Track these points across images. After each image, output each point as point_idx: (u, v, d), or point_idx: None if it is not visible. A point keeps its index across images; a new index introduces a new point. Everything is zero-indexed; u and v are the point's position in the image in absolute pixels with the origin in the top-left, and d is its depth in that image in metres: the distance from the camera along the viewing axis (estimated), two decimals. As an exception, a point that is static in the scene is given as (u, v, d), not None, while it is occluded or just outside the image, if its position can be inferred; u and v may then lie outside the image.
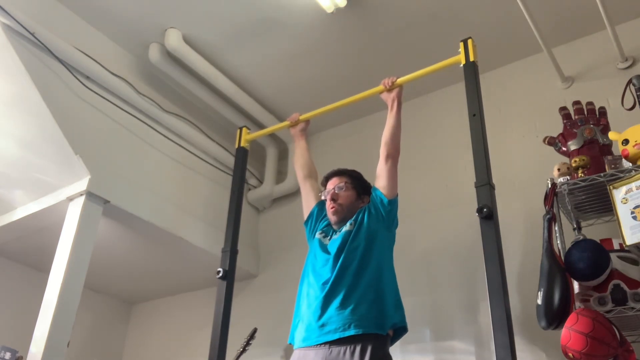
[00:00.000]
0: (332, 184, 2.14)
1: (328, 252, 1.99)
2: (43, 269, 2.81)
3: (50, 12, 2.66)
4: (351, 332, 1.77)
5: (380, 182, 2.04)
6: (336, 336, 1.78)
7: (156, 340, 3.68)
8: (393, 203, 2.02)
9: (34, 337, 2.22)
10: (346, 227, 2.02)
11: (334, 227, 2.09)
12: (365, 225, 1.98)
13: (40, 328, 2.22)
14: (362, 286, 1.87)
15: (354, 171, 2.20)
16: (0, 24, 2.36)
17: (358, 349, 1.75)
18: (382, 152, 2.06)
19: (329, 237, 2.08)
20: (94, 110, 2.70)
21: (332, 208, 2.07)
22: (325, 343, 1.80)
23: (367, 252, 1.94)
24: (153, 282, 3.61)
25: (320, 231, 2.13)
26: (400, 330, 1.90)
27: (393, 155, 2.04)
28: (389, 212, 2.01)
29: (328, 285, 1.89)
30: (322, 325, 1.83)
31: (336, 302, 1.84)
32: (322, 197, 2.17)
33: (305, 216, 2.23)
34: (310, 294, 1.95)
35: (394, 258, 2.08)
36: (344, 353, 1.75)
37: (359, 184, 2.16)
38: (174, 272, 3.43)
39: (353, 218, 2.04)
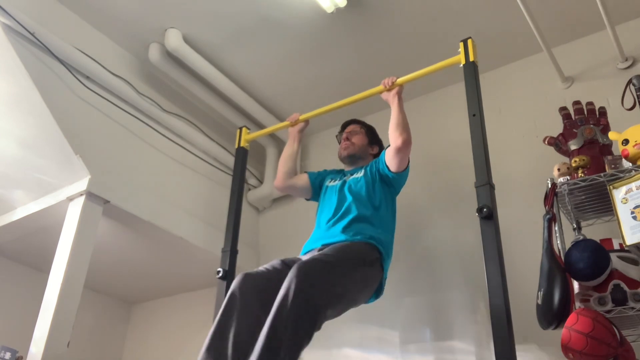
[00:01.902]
0: (349, 129, 2.46)
1: (338, 191, 2.22)
2: (43, 269, 2.81)
3: (50, 12, 2.66)
4: (347, 239, 1.98)
5: (388, 159, 2.17)
6: (329, 241, 2.00)
7: (156, 340, 3.68)
8: (400, 175, 2.19)
9: (34, 337, 2.22)
10: (356, 175, 2.25)
11: (345, 166, 2.39)
12: (376, 178, 2.20)
13: (40, 328, 2.22)
14: (368, 221, 2.06)
15: (368, 124, 2.51)
16: (0, 24, 2.36)
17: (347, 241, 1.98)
18: (391, 142, 2.13)
19: (338, 179, 2.31)
20: (94, 110, 2.70)
21: (345, 145, 2.39)
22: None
23: (374, 193, 2.15)
24: (153, 282, 3.61)
25: (330, 179, 2.36)
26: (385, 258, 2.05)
27: (402, 142, 2.09)
28: (393, 179, 2.19)
29: (337, 215, 2.11)
30: (324, 246, 2.02)
31: (341, 229, 2.05)
32: (338, 140, 2.50)
33: (309, 192, 2.44)
34: (319, 223, 2.22)
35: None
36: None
37: (371, 133, 2.47)
38: (174, 272, 3.42)
39: (363, 167, 2.28)
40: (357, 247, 1.95)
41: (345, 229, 2.06)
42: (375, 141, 2.46)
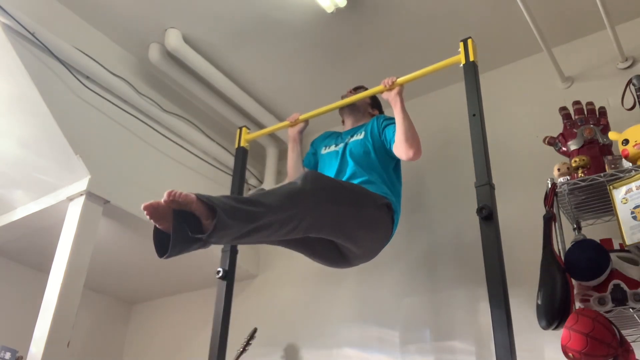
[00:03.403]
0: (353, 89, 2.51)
1: (340, 156, 2.21)
2: (43, 269, 2.81)
3: (50, 12, 2.66)
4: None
5: (395, 151, 2.14)
6: None
7: (156, 340, 3.68)
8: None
9: (34, 337, 2.22)
10: (357, 137, 2.25)
11: (342, 124, 2.42)
12: (377, 139, 2.20)
13: (40, 328, 2.22)
14: (374, 182, 2.06)
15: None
16: (0, 24, 2.36)
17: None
18: (399, 154, 2.12)
19: (334, 146, 2.30)
20: (94, 110, 2.69)
21: (348, 94, 2.42)
22: None
23: (377, 159, 2.15)
24: (153, 282, 3.61)
25: (324, 147, 2.36)
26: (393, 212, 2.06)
27: (409, 158, 2.09)
28: (395, 157, 2.19)
29: (342, 171, 2.15)
30: None
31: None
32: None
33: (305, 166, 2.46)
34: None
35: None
36: None
37: (374, 99, 2.51)
38: (174, 272, 3.42)
39: (363, 128, 2.27)
40: (366, 191, 1.94)
41: None
42: (376, 105, 2.52)
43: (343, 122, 2.56)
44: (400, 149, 2.10)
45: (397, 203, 2.09)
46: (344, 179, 2.12)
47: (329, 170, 2.22)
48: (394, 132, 2.16)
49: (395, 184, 2.18)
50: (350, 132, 2.35)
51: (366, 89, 2.50)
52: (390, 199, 2.03)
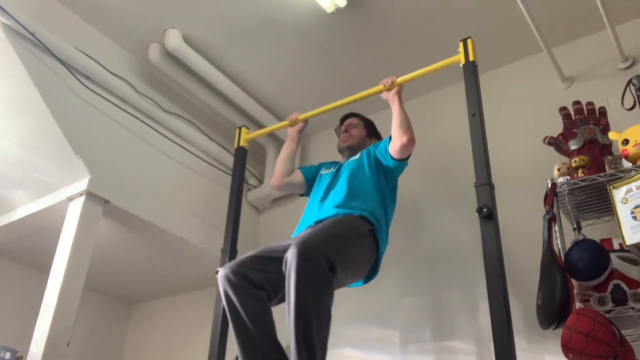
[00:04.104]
0: (348, 122, 2.48)
1: (333, 174, 2.23)
2: (43, 269, 2.81)
3: (50, 12, 2.66)
4: (339, 213, 1.97)
5: (391, 149, 2.15)
6: (322, 217, 2.00)
7: (156, 340, 3.68)
8: (401, 162, 2.17)
9: (34, 337, 2.22)
10: (353, 158, 2.26)
11: (343, 157, 2.38)
12: (372, 160, 2.20)
13: (40, 328, 2.22)
14: (360, 197, 2.06)
15: (367, 118, 2.54)
16: (0, 24, 2.36)
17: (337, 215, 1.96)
18: (394, 141, 2.13)
19: (333, 168, 2.31)
20: (94, 110, 2.70)
21: (344, 137, 2.42)
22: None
23: (370, 175, 2.15)
24: (153, 282, 3.61)
25: (324, 169, 2.37)
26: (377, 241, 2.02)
27: (402, 144, 2.09)
28: (393, 166, 2.17)
29: (330, 193, 2.12)
30: (317, 221, 2.01)
31: (334, 204, 2.05)
32: (337, 133, 2.51)
33: (303, 188, 2.45)
34: (311, 203, 2.19)
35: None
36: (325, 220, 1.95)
37: (369, 126, 2.50)
38: (174, 272, 3.42)
39: (360, 152, 2.28)
40: (350, 220, 1.93)
41: (337, 205, 2.04)
42: (373, 134, 2.49)
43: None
44: (394, 136, 2.11)
45: (382, 227, 2.05)
46: (334, 189, 2.13)
47: (322, 184, 2.23)
48: (389, 140, 2.20)
49: (387, 205, 2.15)
50: (348, 151, 2.38)
51: (358, 116, 2.51)
52: (373, 222, 1.99)
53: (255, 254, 1.91)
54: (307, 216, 2.17)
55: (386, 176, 2.20)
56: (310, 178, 2.44)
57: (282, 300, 1.86)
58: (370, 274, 2.05)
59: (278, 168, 2.48)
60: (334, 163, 2.41)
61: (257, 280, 1.82)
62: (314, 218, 2.08)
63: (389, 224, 2.15)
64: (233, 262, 1.87)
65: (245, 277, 1.81)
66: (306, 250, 1.60)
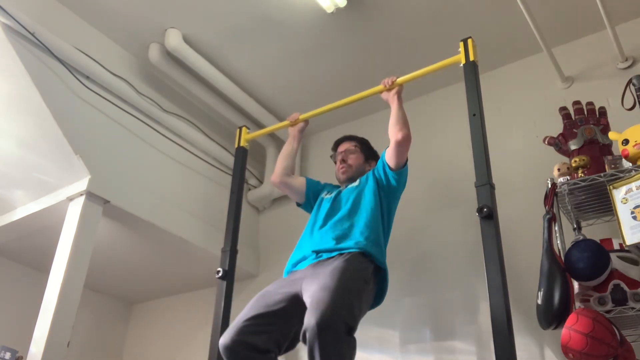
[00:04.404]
0: (343, 147, 2.38)
1: (332, 200, 2.18)
2: (43, 269, 2.80)
3: (50, 12, 2.66)
4: (339, 252, 1.94)
5: (387, 156, 2.14)
6: (325, 257, 1.95)
7: (156, 340, 3.68)
8: (399, 173, 2.13)
9: (34, 337, 2.22)
10: (352, 185, 2.21)
11: (341, 186, 2.30)
12: (371, 185, 2.14)
13: (40, 328, 2.22)
14: (360, 227, 2.02)
15: (362, 138, 2.44)
16: (0, 24, 2.36)
17: (339, 257, 1.90)
18: (391, 137, 2.11)
19: (333, 193, 2.25)
20: (94, 110, 2.70)
21: (342, 168, 2.32)
22: (314, 264, 1.95)
23: (369, 203, 2.09)
24: (153, 282, 3.61)
25: (326, 192, 2.31)
26: (381, 269, 1.99)
27: (402, 137, 2.07)
28: (392, 180, 2.12)
29: (329, 222, 2.07)
30: (317, 253, 1.98)
31: (333, 235, 2.01)
32: (333, 160, 2.40)
33: (302, 197, 2.39)
34: (309, 229, 2.14)
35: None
36: (326, 262, 1.92)
37: (367, 149, 2.40)
38: (174, 272, 3.42)
39: (359, 179, 2.23)
40: (353, 265, 1.86)
41: (336, 237, 2.00)
42: (371, 156, 2.39)
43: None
44: (390, 133, 2.09)
45: (383, 253, 2.01)
46: (332, 217, 2.09)
47: (322, 210, 2.18)
48: (384, 153, 2.17)
49: (385, 227, 2.11)
50: (347, 182, 2.30)
51: (353, 139, 2.40)
52: (374, 255, 1.95)
53: (252, 314, 1.83)
54: (304, 243, 2.11)
55: (388, 198, 2.14)
56: (312, 193, 2.37)
57: (290, 348, 1.88)
58: (376, 302, 2.03)
59: (278, 164, 2.45)
60: (335, 187, 2.34)
61: (260, 345, 1.77)
62: (312, 247, 2.03)
63: (385, 248, 2.09)
64: (232, 330, 1.80)
65: (247, 345, 1.76)
66: (325, 324, 1.57)
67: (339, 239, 1.99)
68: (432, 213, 2.81)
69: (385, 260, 2.02)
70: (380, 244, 2.03)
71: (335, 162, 2.37)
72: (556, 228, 1.97)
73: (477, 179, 1.82)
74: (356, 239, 1.97)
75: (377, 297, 2.00)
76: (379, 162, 2.20)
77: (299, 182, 2.42)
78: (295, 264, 2.06)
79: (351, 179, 2.28)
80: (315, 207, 2.27)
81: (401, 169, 2.13)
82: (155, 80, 3.12)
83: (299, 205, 2.45)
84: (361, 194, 2.14)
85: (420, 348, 2.53)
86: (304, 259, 2.03)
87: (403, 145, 2.08)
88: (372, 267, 1.93)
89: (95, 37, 2.86)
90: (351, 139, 2.43)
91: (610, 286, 1.76)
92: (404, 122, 2.10)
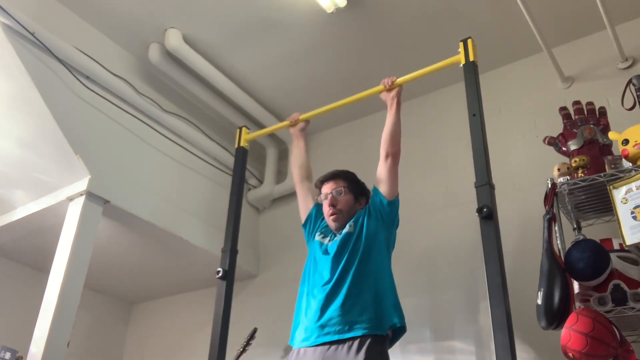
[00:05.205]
0: (329, 187, 2.12)
1: (328, 253, 2.01)
2: (43, 269, 2.81)
3: (50, 12, 2.66)
4: (350, 334, 1.79)
5: (380, 182, 2.05)
6: (335, 337, 1.81)
7: (156, 340, 3.68)
8: (393, 204, 2.03)
9: (34, 337, 2.22)
10: (346, 229, 2.02)
11: (335, 234, 2.08)
12: (365, 227, 1.99)
13: (40, 328, 2.22)
14: (362, 287, 1.89)
15: (349, 173, 2.19)
16: (0, 24, 2.36)
17: (355, 345, 1.77)
18: (382, 151, 2.06)
19: (328, 237, 2.09)
20: (94, 110, 2.70)
21: (331, 215, 2.07)
22: (324, 343, 1.82)
23: (367, 254, 1.95)
24: (153, 282, 3.62)
25: (320, 232, 2.14)
26: (399, 330, 1.91)
27: (392, 154, 2.03)
28: (389, 214, 2.02)
29: (328, 287, 1.91)
30: (322, 326, 1.85)
31: (336, 303, 1.86)
32: (319, 201, 2.16)
33: (303, 218, 2.24)
34: (310, 295, 1.97)
35: (394, 258, 2.09)
36: (342, 349, 1.78)
37: (355, 188, 2.15)
38: (174, 272, 3.43)
39: (353, 220, 2.05)
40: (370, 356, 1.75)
41: (345, 311, 1.84)
42: (361, 193, 2.15)
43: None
44: (383, 144, 2.04)
45: (399, 320, 1.88)
46: (331, 287, 1.90)
47: (320, 270, 1.99)
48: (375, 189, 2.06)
49: (386, 283, 1.97)
50: (340, 227, 2.08)
51: (339, 176, 2.15)
52: (387, 327, 1.84)
53: None
54: (307, 310, 1.94)
55: (389, 230, 2.04)
56: (312, 223, 2.19)
57: None
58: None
59: (293, 167, 2.38)
60: (328, 229, 2.12)
61: None
62: (318, 320, 1.86)
63: (395, 292, 2.00)
64: None
65: None
66: None
67: (348, 315, 1.83)
68: (432, 213, 2.81)
69: (403, 317, 1.91)
70: (395, 302, 1.92)
71: (322, 202, 2.14)
72: (556, 228, 1.97)
73: (477, 179, 1.82)
74: (368, 311, 1.84)
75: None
76: (373, 198, 2.05)
77: (308, 203, 2.25)
78: (301, 339, 1.90)
79: (341, 219, 2.07)
80: (310, 251, 2.12)
81: (394, 198, 2.04)
82: (155, 80, 3.12)
83: (302, 224, 2.27)
84: (359, 241, 1.97)
85: (420, 348, 2.53)
86: (310, 331, 1.88)
87: (394, 159, 2.02)
88: (383, 340, 1.84)
89: (95, 37, 2.86)
90: (337, 177, 2.15)
91: (610, 286, 1.76)
92: (398, 139, 2.05)
